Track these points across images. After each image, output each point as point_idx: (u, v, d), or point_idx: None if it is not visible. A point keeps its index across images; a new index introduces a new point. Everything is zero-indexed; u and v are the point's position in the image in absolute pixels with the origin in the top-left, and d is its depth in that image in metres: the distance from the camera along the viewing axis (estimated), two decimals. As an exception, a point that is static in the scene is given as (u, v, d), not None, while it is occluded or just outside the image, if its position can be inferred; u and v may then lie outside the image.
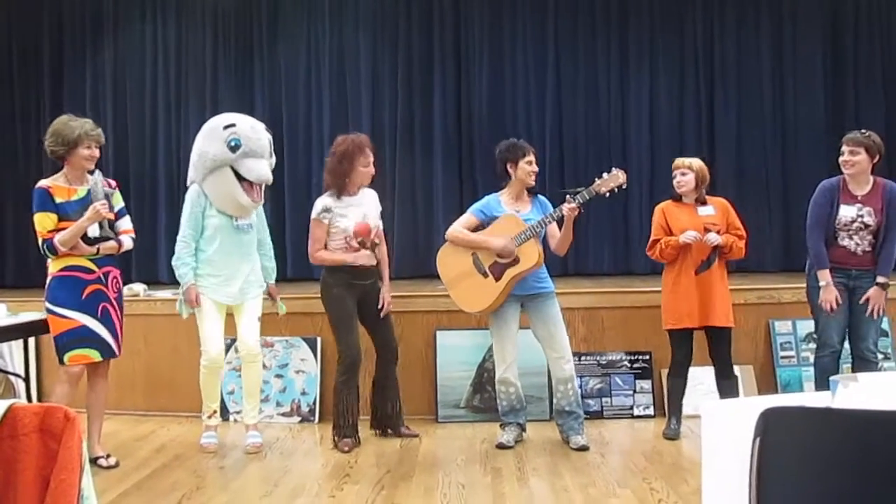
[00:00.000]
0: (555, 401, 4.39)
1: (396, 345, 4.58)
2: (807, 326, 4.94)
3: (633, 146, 7.13)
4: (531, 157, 4.33)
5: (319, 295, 4.45)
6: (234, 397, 5.03)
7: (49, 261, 3.95)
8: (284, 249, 6.70)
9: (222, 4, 7.30)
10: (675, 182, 4.42)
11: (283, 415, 5.08)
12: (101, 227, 3.96)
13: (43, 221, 3.86)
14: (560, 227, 4.30)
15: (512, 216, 4.26)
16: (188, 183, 4.37)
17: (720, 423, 2.02)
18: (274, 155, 4.44)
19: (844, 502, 1.58)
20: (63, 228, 3.86)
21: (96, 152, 3.98)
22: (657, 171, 6.81)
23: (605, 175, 4.19)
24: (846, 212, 4.13)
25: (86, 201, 3.93)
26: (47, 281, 3.96)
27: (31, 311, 4.50)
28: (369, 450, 4.32)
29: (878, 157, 4.11)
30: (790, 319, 5.11)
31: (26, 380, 4.84)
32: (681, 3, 7.18)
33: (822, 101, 7.05)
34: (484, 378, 5.00)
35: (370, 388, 4.60)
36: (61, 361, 3.92)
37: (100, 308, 3.95)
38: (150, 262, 6.99)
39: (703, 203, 4.41)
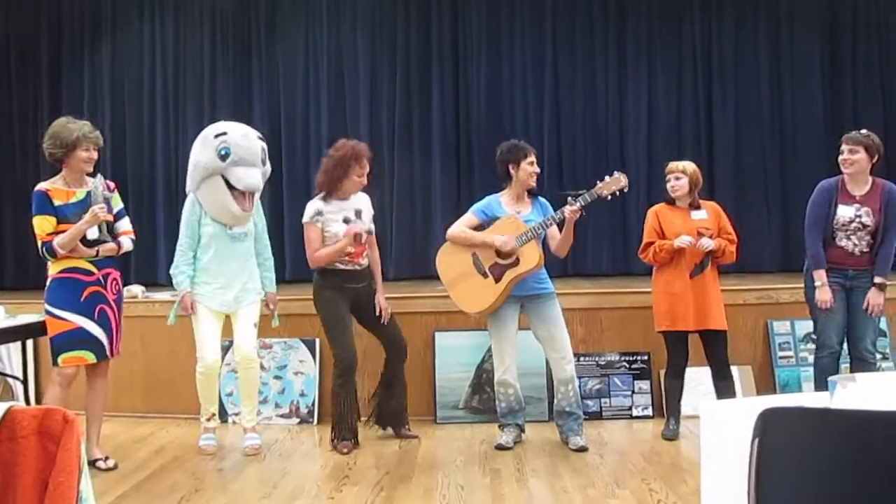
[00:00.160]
0: (555, 401, 4.38)
1: (405, 343, 4.54)
2: (805, 327, 4.95)
3: (631, 146, 7.14)
4: (532, 158, 4.33)
5: (310, 297, 4.44)
6: (233, 399, 5.03)
7: (49, 263, 3.94)
8: (283, 251, 6.70)
9: (220, 4, 7.30)
10: (668, 186, 4.42)
11: (282, 416, 5.08)
12: (100, 229, 3.96)
13: (42, 224, 3.86)
14: (560, 230, 4.30)
15: (512, 217, 4.26)
16: (187, 191, 4.39)
17: (719, 424, 2.02)
18: (268, 163, 4.42)
19: (843, 502, 1.58)
20: (62, 231, 3.85)
21: (95, 154, 3.98)
22: (655, 171, 6.77)
23: (606, 178, 4.20)
24: (844, 212, 4.13)
25: (85, 204, 3.92)
26: (47, 283, 3.96)
27: (29, 313, 4.49)
28: (368, 451, 4.31)
29: (877, 158, 4.12)
30: (788, 320, 5.12)
31: (24, 382, 4.84)
32: (679, 4, 7.19)
33: (820, 101, 7.07)
34: (483, 379, 5.01)
35: (376, 384, 4.58)
36: (55, 363, 3.91)
37: (97, 310, 3.95)
38: (149, 264, 6.98)
39: (697, 207, 4.42)
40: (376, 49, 7.24)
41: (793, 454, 1.63)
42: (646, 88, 7.16)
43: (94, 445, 4.03)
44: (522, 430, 4.46)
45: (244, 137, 4.26)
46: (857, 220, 4.12)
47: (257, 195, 4.36)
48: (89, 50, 7.35)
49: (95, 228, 3.93)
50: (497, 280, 4.22)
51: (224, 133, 4.24)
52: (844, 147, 4.13)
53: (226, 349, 4.96)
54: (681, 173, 4.39)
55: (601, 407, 5.01)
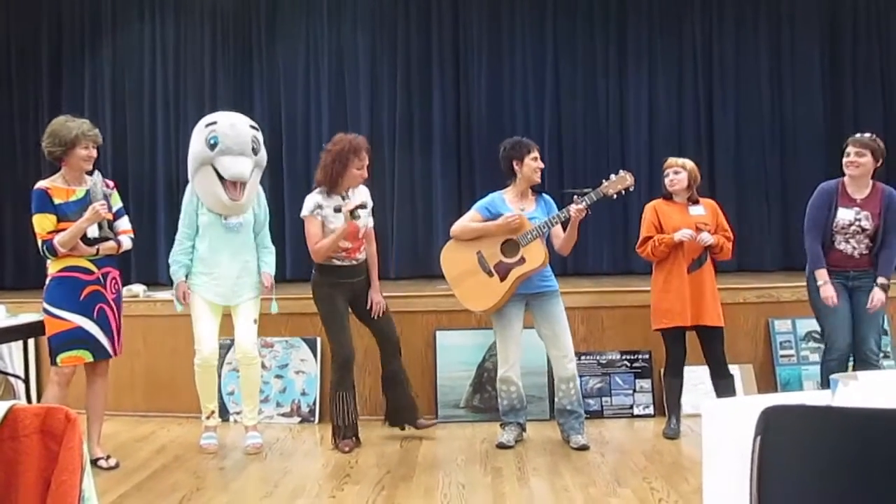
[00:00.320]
0: (556, 400, 4.39)
1: (397, 338, 4.53)
2: (806, 325, 4.95)
3: (632, 146, 7.14)
4: (536, 154, 4.33)
5: (311, 295, 4.44)
6: (234, 398, 5.03)
7: (49, 262, 3.94)
8: (284, 249, 6.69)
9: (221, 4, 7.30)
10: (667, 181, 4.42)
11: (283, 415, 5.08)
12: (100, 227, 3.95)
13: (42, 223, 3.86)
14: (565, 229, 4.30)
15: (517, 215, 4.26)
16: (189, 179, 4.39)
17: (720, 422, 2.02)
18: (263, 151, 4.35)
19: (845, 500, 1.58)
20: (62, 229, 3.85)
21: (94, 153, 3.98)
22: (656, 171, 6.76)
23: (612, 177, 4.20)
24: (844, 215, 4.13)
25: (84, 202, 3.93)
26: (46, 282, 3.96)
27: (30, 312, 4.50)
28: (370, 450, 4.32)
29: (880, 162, 4.12)
30: (790, 318, 5.12)
31: (26, 381, 4.84)
32: (679, 4, 7.19)
33: (820, 101, 7.07)
34: (484, 378, 5.01)
35: (381, 385, 4.58)
36: (54, 362, 3.91)
37: (96, 309, 3.95)
38: (150, 262, 6.98)
39: (695, 203, 4.42)
40: (377, 49, 7.24)
41: (795, 452, 1.63)
42: (646, 88, 7.15)
43: (95, 444, 4.03)
44: (524, 429, 4.46)
45: (232, 127, 4.23)
46: (857, 223, 4.12)
47: (251, 184, 4.29)
48: (90, 50, 7.35)
49: (96, 226, 3.93)
50: (502, 278, 4.22)
51: (214, 122, 4.24)
52: (851, 149, 4.11)
53: (227, 348, 4.96)
54: (680, 168, 4.39)
55: (602, 405, 5.01)
